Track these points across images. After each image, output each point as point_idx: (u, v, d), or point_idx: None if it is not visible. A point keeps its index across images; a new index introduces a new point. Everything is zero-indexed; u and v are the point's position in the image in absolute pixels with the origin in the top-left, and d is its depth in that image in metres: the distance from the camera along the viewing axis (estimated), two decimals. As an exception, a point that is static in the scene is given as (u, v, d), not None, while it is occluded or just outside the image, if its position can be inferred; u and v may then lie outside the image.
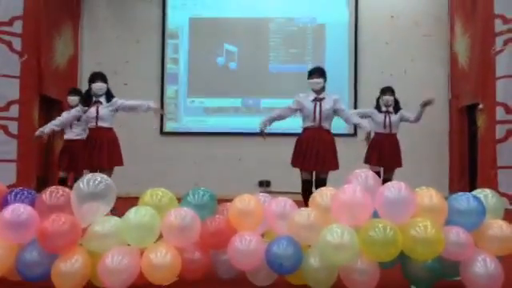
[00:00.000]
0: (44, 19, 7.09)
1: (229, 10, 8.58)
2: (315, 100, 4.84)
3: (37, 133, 5.39)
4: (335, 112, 4.87)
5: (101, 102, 5.01)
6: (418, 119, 5.85)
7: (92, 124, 5.00)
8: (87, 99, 5.05)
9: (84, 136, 5.84)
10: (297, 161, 4.87)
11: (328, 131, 4.88)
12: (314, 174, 4.86)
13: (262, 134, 5.00)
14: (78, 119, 5.53)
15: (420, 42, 8.26)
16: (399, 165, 5.83)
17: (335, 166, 4.86)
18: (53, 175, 7.26)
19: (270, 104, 8.13)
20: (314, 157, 4.74)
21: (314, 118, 4.79)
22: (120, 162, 5.11)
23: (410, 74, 8.21)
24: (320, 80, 4.85)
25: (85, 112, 5.02)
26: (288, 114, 5.00)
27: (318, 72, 4.91)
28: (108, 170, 4.90)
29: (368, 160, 5.87)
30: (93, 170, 4.72)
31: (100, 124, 4.96)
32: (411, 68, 8.22)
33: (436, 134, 7.96)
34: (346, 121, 5.01)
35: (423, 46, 8.25)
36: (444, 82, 8.18)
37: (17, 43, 6.52)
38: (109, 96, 5.06)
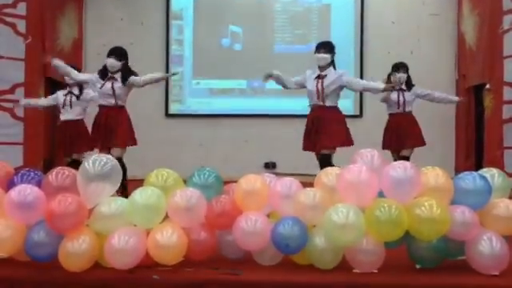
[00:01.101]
0: (48, 1, 7.04)
1: (233, -10, 8.50)
2: (317, 77, 4.71)
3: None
4: (345, 86, 4.78)
5: (115, 79, 4.83)
6: (444, 101, 5.83)
7: (108, 101, 4.83)
8: (103, 73, 4.87)
9: (84, 116, 5.70)
10: (303, 143, 4.82)
11: (333, 108, 4.75)
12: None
13: (267, 77, 4.93)
14: (78, 97, 5.43)
15: (427, 21, 8.14)
16: (421, 142, 5.55)
17: (341, 142, 4.68)
18: (59, 157, 7.28)
19: (276, 85, 8.06)
20: (316, 136, 4.65)
21: (318, 95, 4.67)
22: (135, 141, 5.01)
23: (417, 53, 8.11)
24: (326, 56, 4.69)
25: (100, 87, 4.82)
26: (293, 85, 4.95)
27: (324, 47, 4.73)
28: (121, 150, 4.79)
29: (386, 145, 5.53)
30: (104, 150, 4.63)
31: (118, 102, 4.83)
32: (418, 48, 8.12)
33: (442, 114, 7.88)
34: (355, 89, 4.98)
35: (430, 25, 8.13)
36: (451, 61, 8.08)
37: (21, 25, 6.48)
38: (125, 75, 4.87)
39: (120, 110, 4.90)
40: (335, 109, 4.79)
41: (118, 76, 4.86)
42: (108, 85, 4.80)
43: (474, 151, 7.46)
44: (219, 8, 8.42)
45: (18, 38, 6.47)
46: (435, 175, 2.85)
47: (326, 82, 4.67)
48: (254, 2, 8.39)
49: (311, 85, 4.73)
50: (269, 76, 4.93)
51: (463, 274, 2.79)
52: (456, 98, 5.82)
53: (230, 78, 8.34)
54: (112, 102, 4.83)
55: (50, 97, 6.02)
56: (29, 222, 2.86)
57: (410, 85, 5.60)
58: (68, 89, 5.72)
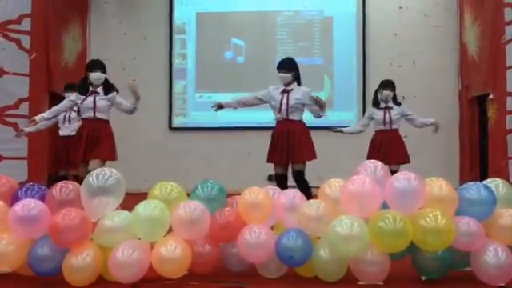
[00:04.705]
0: (52, 16, 7.11)
1: (236, 3, 8.54)
2: (283, 92, 4.74)
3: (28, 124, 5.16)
4: (304, 105, 4.74)
5: (98, 93, 4.80)
6: (421, 127, 5.73)
7: (89, 115, 4.79)
8: (85, 88, 4.83)
9: None
10: (269, 156, 4.76)
11: (299, 121, 4.76)
12: (288, 169, 4.74)
13: (218, 106, 4.96)
14: (78, 112, 5.21)
15: (429, 32, 8.17)
16: (405, 159, 5.49)
17: (309, 157, 4.70)
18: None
19: (279, 98, 8.09)
20: (285, 150, 4.63)
21: (280, 109, 4.69)
22: (114, 156, 4.93)
23: (419, 65, 8.14)
24: (287, 75, 4.73)
25: (81, 102, 4.78)
26: (254, 101, 4.97)
27: (285, 67, 4.77)
28: (100, 163, 4.67)
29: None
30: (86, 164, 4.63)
31: (98, 115, 4.78)
32: (420, 59, 8.15)
33: (446, 124, 7.87)
34: (313, 113, 4.80)
35: (432, 36, 8.16)
36: (454, 72, 8.10)
37: (25, 41, 6.54)
38: (107, 86, 4.86)
39: (103, 123, 4.85)
40: (301, 122, 4.79)
41: (99, 90, 4.83)
42: (90, 98, 4.77)
43: (478, 161, 7.44)
44: (222, 21, 8.49)
45: (23, 54, 6.53)
46: (439, 186, 2.84)
47: (292, 96, 4.70)
48: (257, 15, 8.45)
49: (277, 98, 4.75)
50: (219, 107, 5.01)
51: (469, 285, 2.77)
52: (432, 120, 5.67)
53: (233, 91, 8.35)
54: (91, 114, 4.78)
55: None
56: (33, 236, 2.86)
57: (396, 102, 5.59)
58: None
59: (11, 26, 6.46)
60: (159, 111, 8.35)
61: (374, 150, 5.51)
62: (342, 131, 5.70)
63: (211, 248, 2.92)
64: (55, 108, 5.04)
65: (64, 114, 5.71)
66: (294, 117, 4.72)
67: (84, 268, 2.70)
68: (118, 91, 4.93)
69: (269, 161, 4.79)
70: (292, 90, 4.73)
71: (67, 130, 5.81)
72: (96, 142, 4.76)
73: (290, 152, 4.64)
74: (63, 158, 5.80)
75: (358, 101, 8.18)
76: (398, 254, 2.77)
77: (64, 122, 5.91)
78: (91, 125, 4.79)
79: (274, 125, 4.93)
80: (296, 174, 4.67)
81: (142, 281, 2.73)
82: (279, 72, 4.78)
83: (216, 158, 8.20)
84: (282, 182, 4.69)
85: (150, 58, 8.50)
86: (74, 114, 5.61)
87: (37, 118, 4.92)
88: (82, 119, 4.90)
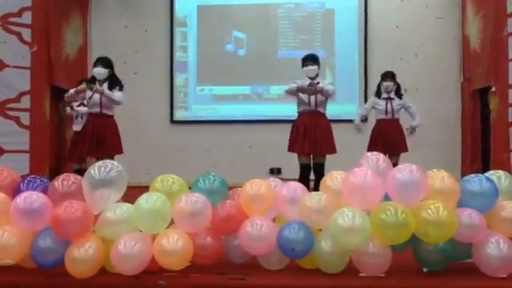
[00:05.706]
0: (53, 9, 7.10)
1: (237, -4, 8.53)
2: (311, 85, 4.93)
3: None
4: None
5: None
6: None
7: (96, 110, 5.00)
8: (92, 84, 5.02)
9: None
10: (294, 146, 4.97)
11: (324, 115, 5.00)
12: (311, 158, 4.96)
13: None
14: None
15: (431, 24, 8.15)
16: (404, 149, 5.73)
17: (332, 150, 4.98)
18: (65, 166, 7.30)
19: (280, 91, 8.06)
20: (312, 141, 4.85)
21: (309, 102, 4.90)
22: (120, 150, 5.14)
23: (421, 57, 8.12)
24: (314, 67, 4.99)
25: (89, 98, 5.01)
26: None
27: (311, 59, 5.03)
28: (109, 158, 4.79)
29: (371, 149, 5.62)
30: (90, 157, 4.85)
31: (104, 111, 4.99)
32: (422, 51, 8.13)
33: (448, 117, 7.89)
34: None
35: (434, 28, 8.14)
36: (456, 64, 8.09)
37: (26, 34, 6.52)
38: (112, 82, 5.02)
39: (108, 119, 5.05)
40: (325, 116, 5.04)
41: (105, 86, 4.99)
42: (96, 96, 4.96)
43: (480, 154, 7.43)
44: (223, 14, 8.47)
45: (24, 47, 6.51)
46: (441, 178, 2.83)
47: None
48: (258, 8, 8.42)
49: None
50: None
51: (471, 277, 2.77)
52: (416, 123, 5.80)
53: (235, 84, 8.37)
54: (98, 110, 4.99)
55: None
56: (35, 228, 2.86)
57: (398, 93, 5.80)
58: (80, 100, 5.94)
59: (12, 19, 6.45)
60: (160, 104, 8.35)
61: (375, 139, 5.73)
62: (360, 128, 5.95)
63: (213, 240, 2.92)
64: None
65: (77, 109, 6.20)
66: (320, 109, 4.97)
67: (86, 260, 2.71)
68: (122, 87, 5.07)
69: (294, 150, 4.99)
70: (318, 82, 4.94)
71: (80, 125, 5.98)
72: (103, 137, 4.96)
73: (317, 144, 4.86)
74: (76, 153, 6.01)
75: (360, 93, 8.17)
76: (399, 245, 2.77)
77: (77, 117, 6.32)
78: (97, 120, 5.01)
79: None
80: (317, 166, 4.89)
81: (143, 273, 2.74)
82: (307, 66, 5.00)
83: (217, 151, 8.20)
84: (307, 172, 4.94)
85: (150, 50, 8.49)
86: (85, 109, 5.75)
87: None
88: (90, 113, 5.12)
